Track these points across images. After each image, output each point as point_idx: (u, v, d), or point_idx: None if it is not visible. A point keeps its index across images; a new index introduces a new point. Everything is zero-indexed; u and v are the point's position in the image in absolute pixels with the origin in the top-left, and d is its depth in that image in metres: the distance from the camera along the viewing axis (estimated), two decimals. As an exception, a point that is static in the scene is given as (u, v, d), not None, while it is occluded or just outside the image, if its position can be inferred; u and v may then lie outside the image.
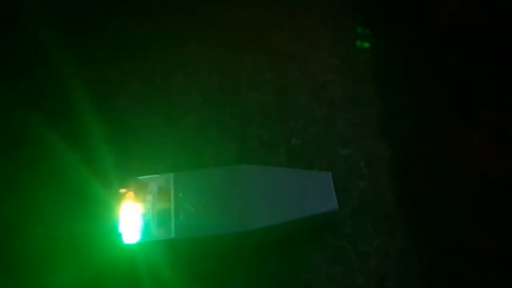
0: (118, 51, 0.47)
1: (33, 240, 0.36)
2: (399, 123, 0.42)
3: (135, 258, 0.32)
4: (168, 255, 0.33)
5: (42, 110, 0.42)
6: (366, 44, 0.44)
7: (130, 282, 0.33)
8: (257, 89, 0.44)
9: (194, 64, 0.46)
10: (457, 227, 0.37)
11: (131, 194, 0.33)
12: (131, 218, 0.32)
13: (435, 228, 0.37)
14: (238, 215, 0.33)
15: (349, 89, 0.44)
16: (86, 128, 0.40)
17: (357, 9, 0.49)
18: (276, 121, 0.42)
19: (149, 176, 0.34)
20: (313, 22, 0.48)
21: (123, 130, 0.42)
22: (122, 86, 0.45)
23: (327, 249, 0.36)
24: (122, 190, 0.34)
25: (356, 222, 0.38)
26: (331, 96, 0.44)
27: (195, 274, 0.34)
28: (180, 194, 0.34)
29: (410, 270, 0.36)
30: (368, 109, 0.43)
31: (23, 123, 0.42)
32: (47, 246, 0.35)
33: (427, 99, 0.43)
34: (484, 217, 0.38)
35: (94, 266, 0.33)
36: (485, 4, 0.47)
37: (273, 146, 0.41)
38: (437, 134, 0.41)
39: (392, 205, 0.38)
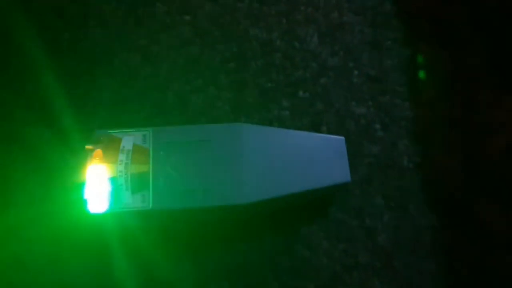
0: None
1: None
2: (425, 81, 0.36)
3: (103, 229, 0.27)
4: (142, 228, 0.28)
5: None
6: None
7: (97, 256, 0.28)
8: (258, 25, 0.36)
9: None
10: (475, 205, 0.33)
11: (99, 152, 0.27)
12: (99, 182, 0.26)
13: (452, 205, 0.33)
14: (231, 186, 0.27)
15: (369, 35, 0.37)
16: (41, 63, 0.32)
17: None
18: (280, 68, 0.35)
19: (122, 130, 0.28)
20: None
21: (91, 69, 0.34)
22: (92, 9, 0.36)
23: (329, 223, 0.32)
24: (89, 147, 0.27)
25: (365, 193, 0.33)
26: (348, 42, 0.36)
27: (175, 251, 0.29)
28: (161, 153, 0.27)
29: (420, 251, 0.32)
30: (389, 60, 0.36)
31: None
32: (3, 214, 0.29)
33: (459, 54, 0.36)
34: (504, 194, 0.33)
35: (57, 237, 0.28)
36: None
37: (276, 98, 0.34)
38: (466, 96, 0.35)
39: (408, 175, 0.33)
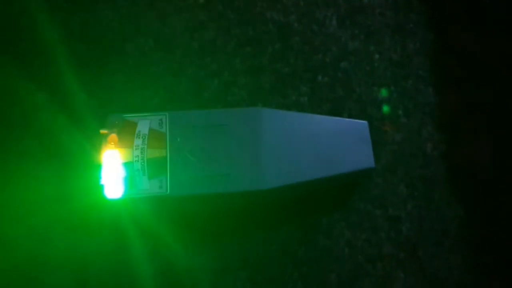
0: None
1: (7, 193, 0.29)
2: (449, 64, 0.34)
3: (120, 215, 0.26)
4: (160, 214, 0.27)
5: None
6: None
7: (114, 242, 0.27)
8: (275, 8, 0.35)
9: (196, -30, 0.36)
10: (505, 195, 0.31)
11: (114, 137, 0.26)
12: (115, 167, 0.25)
13: (480, 195, 0.31)
14: (251, 171, 0.26)
15: (391, 18, 0.35)
16: (54, 49, 0.31)
17: None
18: (298, 52, 0.34)
19: (137, 115, 0.27)
20: None
21: (102, 53, 0.33)
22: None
23: (352, 212, 0.30)
24: (103, 131, 0.26)
25: (388, 182, 0.31)
26: (369, 25, 0.35)
27: (192, 238, 0.28)
28: (178, 139, 0.26)
29: (446, 242, 0.30)
30: (413, 44, 0.34)
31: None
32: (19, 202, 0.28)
33: (487, 37, 0.34)
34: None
35: (73, 223, 0.27)
36: None
37: (294, 83, 0.33)
38: (495, 81, 0.33)
39: (432, 163, 0.32)
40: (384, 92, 0.32)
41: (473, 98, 0.33)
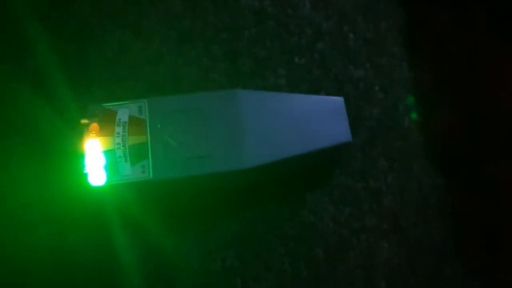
0: None
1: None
2: (423, 40, 0.35)
3: (104, 202, 0.27)
4: (144, 200, 0.27)
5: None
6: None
7: (99, 230, 0.27)
8: (250, -6, 0.35)
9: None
10: (482, 162, 0.32)
11: (95, 126, 0.26)
12: (97, 155, 0.26)
13: (458, 164, 0.32)
14: (232, 151, 0.26)
15: (363, -4, 0.36)
16: (32, 44, 0.31)
17: None
18: (274, 35, 0.34)
19: (117, 103, 0.27)
20: None
21: (83, 47, 0.33)
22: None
23: (334, 187, 0.31)
24: (84, 121, 0.27)
25: (368, 155, 0.32)
26: (342, 6, 0.36)
27: (176, 220, 0.29)
28: (158, 126, 0.27)
29: (428, 211, 0.31)
30: (385, 22, 0.35)
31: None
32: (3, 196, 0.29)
33: (456, 11, 0.35)
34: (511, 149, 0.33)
35: (57, 212, 0.28)
36: None
37: (271, 66, 0.34)
38: (467, 54, 0.34)
39: (410, 136, 0.33)
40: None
41: (446, 72, 0.34)
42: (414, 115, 0.33)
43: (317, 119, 0.28)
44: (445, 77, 0.34)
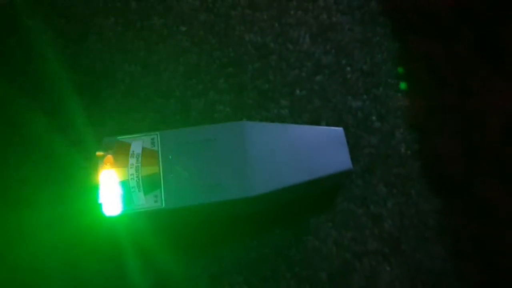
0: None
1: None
2: (415, 70, 0.37)
3: (118, 231, 0.28)
4: (156, 227, 0.28)
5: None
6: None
7: (112, 258, 0.29)
8: (253, 30, 0.38)
9: (177, 0, 0.39)
10: (477, 186, 0.34)
11: (110, 157, 0.28)
12: (112, 186, 0.27)
13: (454, 188, 0.34)
14: (239, 180, 0.28)
15: (359, 32, 0.38)
16: (49, 79, 0.33)
17: None
18: (276, 69, 0.37)
19: (130, 136, 0.29)
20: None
21: (96, 81, 0.35)
22: (92, 27, 0.37)
23: (337, 213, 0.33)
24: (99, 153, 0.28)
25: (368, 182, 0.34)
26: (339, 40, 0.38)
27: (188, 247, 0.30)
28: (170, 157, 0.28)
29: (427, 234, 0.32)
30: (380, 54, 0.38)
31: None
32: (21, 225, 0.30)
33: (447, 43, 0.38)
34: (507, 175, 0.34)
35: (72, 241, 0.29)
36: None
37: (274, 98, 0.36)
38: (457, 82, 0.37)
39: (407, 162, 0.34)
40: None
41: (439, 100, 0.36)
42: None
43: (320, 148, 0.30)
44: (439, 106, 0.36)
